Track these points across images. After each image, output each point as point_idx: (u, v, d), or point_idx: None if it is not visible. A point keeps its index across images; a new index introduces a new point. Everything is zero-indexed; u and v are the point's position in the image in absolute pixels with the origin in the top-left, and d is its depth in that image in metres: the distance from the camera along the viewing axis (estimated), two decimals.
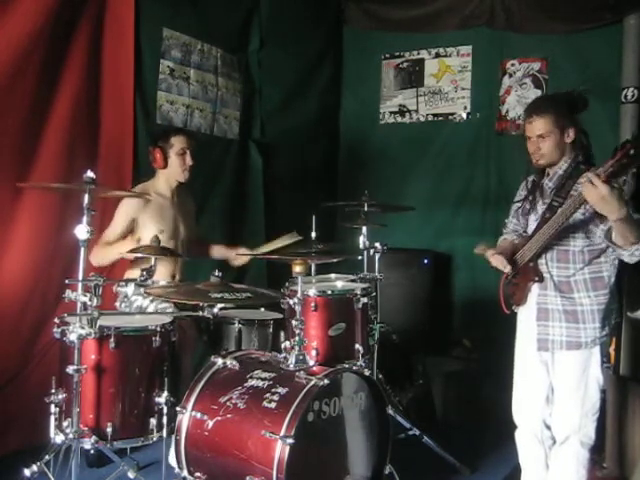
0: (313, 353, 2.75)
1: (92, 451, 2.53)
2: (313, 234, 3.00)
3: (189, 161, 3.24)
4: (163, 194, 3.26)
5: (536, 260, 2.52)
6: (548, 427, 2.59)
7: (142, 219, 3.12)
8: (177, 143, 3.22)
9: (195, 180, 3.48)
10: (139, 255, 2.80)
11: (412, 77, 5.20)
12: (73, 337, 2.30)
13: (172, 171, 3.24)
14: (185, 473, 2.38)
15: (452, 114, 5.05)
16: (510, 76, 4.78)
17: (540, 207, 2.57)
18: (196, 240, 3.49)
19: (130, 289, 2.81)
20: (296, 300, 2.50)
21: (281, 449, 2.12)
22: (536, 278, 2.52)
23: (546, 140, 2.46)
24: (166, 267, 3.19)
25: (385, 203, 3.66)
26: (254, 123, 4.60)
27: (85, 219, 2.32)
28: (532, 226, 2.60)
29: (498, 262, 2.58)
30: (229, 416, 2.29)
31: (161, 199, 3.23)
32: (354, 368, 2.71)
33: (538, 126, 2.45)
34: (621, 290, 2.72)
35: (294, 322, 2.49)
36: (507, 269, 2.56)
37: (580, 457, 2.49)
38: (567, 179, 2.48)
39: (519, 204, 2.72)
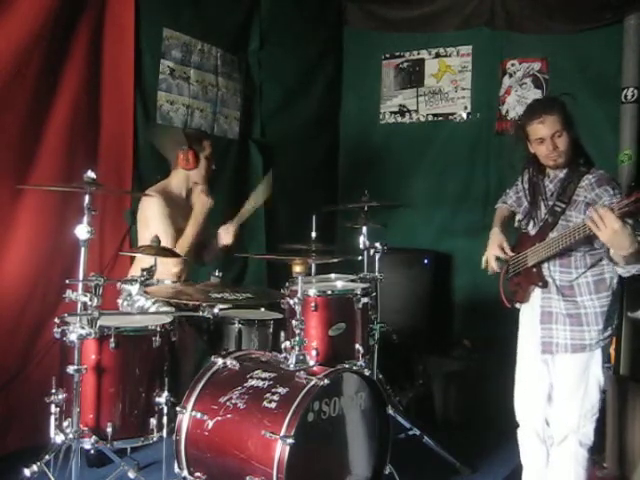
0: (313, 353, 2.75)
1: (92, 451, 2.52)
2: (313, 234, 3.00)
3: (213, 166, 3.34)
4: (178, 194, 3.28)
5: (539, 265, 2.52)
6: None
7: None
8: (208, 147, 3.31)
9: None
10: (138, 255, 2.79)
11: (412, 77, 5.18)
12: (73, 337, 2.30)
13: (198, 173, 3.28)
14: (185, 473, 2.38)
15: (452, 114, 5.04)
16: (510, 76, 4.78)
17: (542, 208, 2.56)
18: (205, 243, 3.45)
19: (135, 288, 2.81)
20: (296, 300, 2.50)
21: (281, 449, 2.12)
22: (540, 283, 2.52)
23: (562, 136, 2.41)
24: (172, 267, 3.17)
25: (385, 202, 3.64)
26: (254, 123, 4.59)
27: (86, 219, 2.33)
28: (533, 228, 2.59)
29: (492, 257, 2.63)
30: (229, 416, 2.29)
31: (177, 200, 3.25)
32: (354, 368, 2.71)
33: (551, 124, 2.40)
34: (622, 290, 2.71)
35: (294, 322, 2.49)
36: (490, 269, 2.65)
37: (579, 457, 2.49)
38: (568, 183, 2.47)
39: (520, 191, 2.71)
